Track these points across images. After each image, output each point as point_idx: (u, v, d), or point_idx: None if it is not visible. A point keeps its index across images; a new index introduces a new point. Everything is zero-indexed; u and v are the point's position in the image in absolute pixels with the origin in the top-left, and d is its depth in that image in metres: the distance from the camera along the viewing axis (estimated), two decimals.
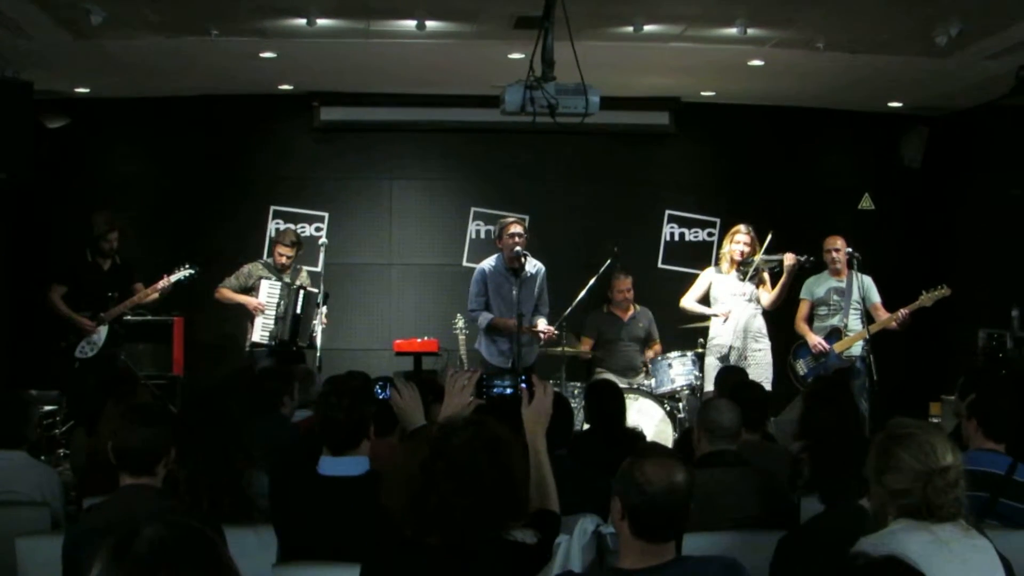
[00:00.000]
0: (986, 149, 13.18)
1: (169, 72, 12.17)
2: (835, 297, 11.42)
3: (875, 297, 11.55)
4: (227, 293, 11.75)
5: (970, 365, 11.82)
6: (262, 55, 11.41)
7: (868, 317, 11.45)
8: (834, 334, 11.37)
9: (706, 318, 11.66)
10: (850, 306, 11.42)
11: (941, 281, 11.15)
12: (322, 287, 11.61)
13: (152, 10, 9.77)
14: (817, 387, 7.86)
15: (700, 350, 11.60)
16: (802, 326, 11.67)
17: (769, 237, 11.34)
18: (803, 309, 11.74)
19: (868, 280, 11.56)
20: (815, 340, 11.48)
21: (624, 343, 12.23)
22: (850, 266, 11.23)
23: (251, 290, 11.71)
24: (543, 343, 11.38)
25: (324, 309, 11.78)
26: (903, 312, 11.11)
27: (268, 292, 11.64)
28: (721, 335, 11.42)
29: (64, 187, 13.11)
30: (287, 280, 11.74)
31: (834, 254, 11.47)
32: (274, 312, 11.59)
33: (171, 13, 9.91)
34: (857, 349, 11.25)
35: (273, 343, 11.57)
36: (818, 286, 11.65)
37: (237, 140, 13.74)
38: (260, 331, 11.60)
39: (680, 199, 14.29)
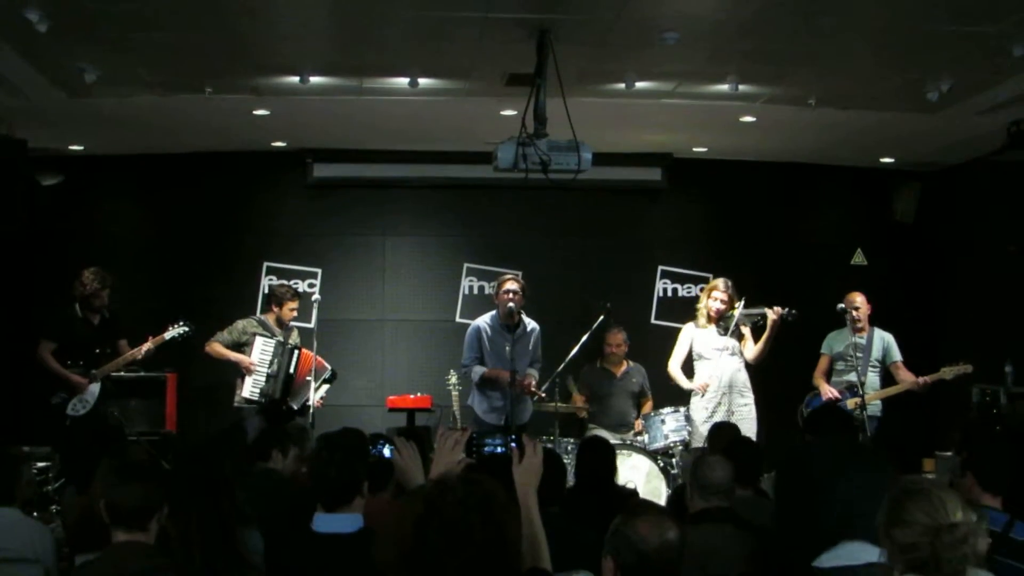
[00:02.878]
0: (978, 204, 13.22)
1: (163, 129, 12.21)
2: (852, 353, 11.39)
3: (896, 356, 11.58)
4: (219, 349, 11.70)
5: (965, 421, 11.81)
6: (256, 112, 11.44)
7: (887, 374, 11.48)
8: (850, 389, 11.35)
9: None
10: (868, 363, 11.45)
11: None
12: (321, 358, 11.68)
13: (146, 69, 9.81)
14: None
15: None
16: (819, 379, 11.72)
17: (743, 300, 11.36)
18: (822, 364, 11.81)
19: (890, 338, 11.64)
20: (828, 390, 11.51)
21: (617, 398, 12.21)
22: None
23: (243, 346, 11.68)
24: (535, 399, 11.42)
25: (324, 388, 11.83)
26: (925, 380, 11.16)
27: (262, 349, 11.62)
28: (707, 392, 11.41)
29: (58, 243, 13.12)
30: (280, 339, 11.72)
31: (854, 313, 11.48)
32: (266, 370, 11.57)
33: (165, 71, 9.96)
34: (872, 407, 11.25)
35: (263, 400, 11.53)
36: (838, 341, 11.68)
37: (231, 197, 13.77)
38: (251, 387, 11.57)
39: (673, 255, 14.33)
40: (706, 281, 13.58)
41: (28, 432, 11.31)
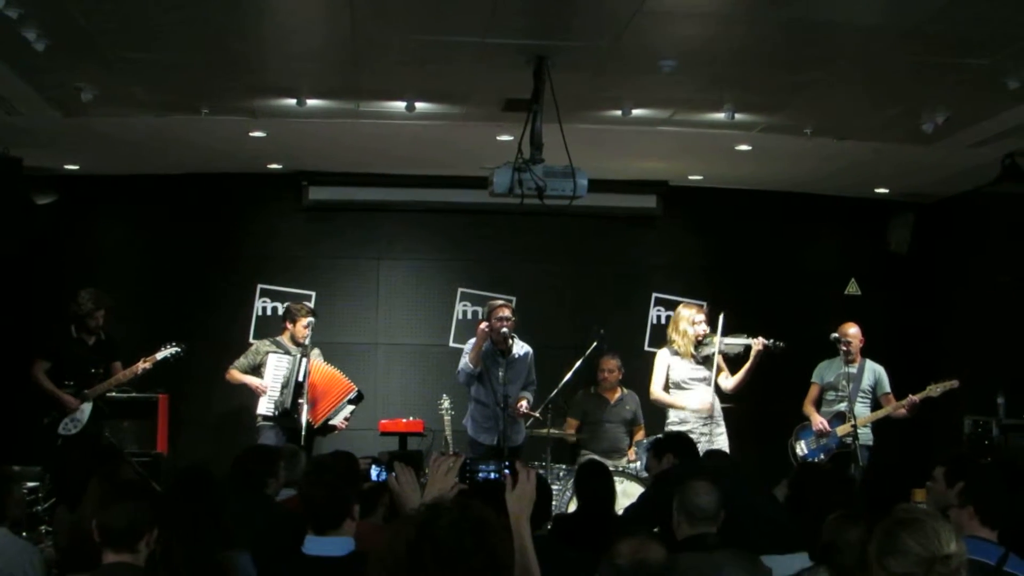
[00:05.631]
0: (973, 236, 13.23)
1: (158, 150, 12.21)
2: (844, 383, 11.38)
3: (886, 387, 11.59)
4: (236, 375, 11.74)
5: (952, 452, 11.81)
6: (252, 134, 11.44)
7: (877, 406, 11.48)
8: (838, 418, 11.37)
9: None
10: (858, 393, 11.44)
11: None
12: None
13: (142, 89, 9.80)
14: (807, 470, 7.85)
15: None
16: (808, 408, 11.73)
17: (721, 319, 11.33)
18: (812, 393, 11.81)
19: (881, 370, 11.65)
20: (818, 421, 11.50)
21: (609, 425, 12.20)
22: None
23: (260, 367, 11.71)
24: (528, 421, 11.42)
25: (350, 409, 11.92)
26: (913, 399, 11.14)
27: (275, 366, 11.63)
28: (687, 420, 11.40)
29: (51, 263, 13.09)
30: (296, 355, 11.70)
31: (843, 346, 11.45)
32: (279, 384, 11.55)
33: (161, 92, 9.95)
34: (864, 436, 11.23)
35: (276, 413, 11.54)
36: (829, 371, 11.68)
37: (226, 218, 13.76)
38: (266, 403, 11.58)
39: (667, 282, 14.32)
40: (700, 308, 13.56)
41: (19, 451, 11.28)
